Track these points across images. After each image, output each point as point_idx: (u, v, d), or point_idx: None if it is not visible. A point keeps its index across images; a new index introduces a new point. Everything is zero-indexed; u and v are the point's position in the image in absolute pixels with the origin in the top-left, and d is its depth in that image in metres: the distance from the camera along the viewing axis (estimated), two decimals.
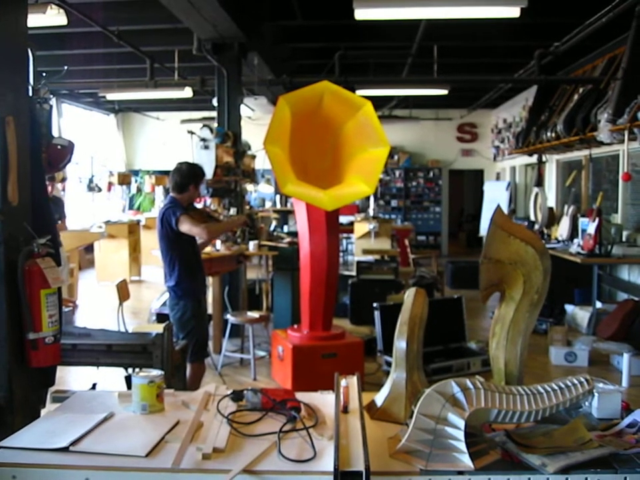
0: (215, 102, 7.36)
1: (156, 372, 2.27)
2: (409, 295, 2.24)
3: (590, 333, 7.01)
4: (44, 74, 2.82)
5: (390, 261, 8.67)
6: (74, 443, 1.87)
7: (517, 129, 12.23)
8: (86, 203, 12.64)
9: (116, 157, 15.82)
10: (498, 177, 15.36)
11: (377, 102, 12.50)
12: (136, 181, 15.07)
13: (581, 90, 8.47)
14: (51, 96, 2.78)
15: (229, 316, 5.91)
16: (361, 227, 11.33)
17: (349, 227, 12.00)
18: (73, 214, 11.42)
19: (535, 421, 1.92)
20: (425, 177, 16.34)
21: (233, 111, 7.20)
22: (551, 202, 10.47)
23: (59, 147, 2.82)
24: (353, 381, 2.41)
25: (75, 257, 9.19)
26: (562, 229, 8.77)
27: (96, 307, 8.95)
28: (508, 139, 13.62)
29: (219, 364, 5.99)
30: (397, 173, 16.29)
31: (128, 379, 3.44)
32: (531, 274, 2.05)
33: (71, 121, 13.63)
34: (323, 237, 5.29)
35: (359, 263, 8.45)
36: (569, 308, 7.77)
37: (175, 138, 14.49)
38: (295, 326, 5.69)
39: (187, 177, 4.13)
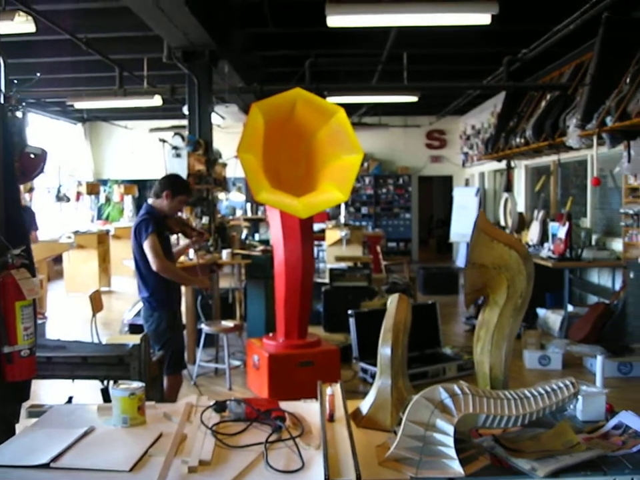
0: (185, 110, 7.30)
1: (136, 384, 2.23)
2: (392, 301, 2.23)
3: (562, 336, 7.08)
4: (15, 81, 2.76)
5: (363, 267, 8.68)
6: (55, 459, 1.81)
7: (486, 135, 12.36)
8: (54, 213, 12.42)
9: (84, 166, 15.60)
10: (467, 183, 15.49)
11: (347, 109, 12.39)
12: (104, 191, 14.89)
13: (548, 96, 8.59)
14: (24, 104, 2.72)
15: (203, 325, 5.84)
16: (333, 234, 11.33)
17: (321, 235, 11.99)
18: (41, 224, 11.24)
19: (521, 425, 1.91)
20: (395, 183, 16.41)
21: (204, 118, 7.15)
22: (521, 207, 10.59)
23: (31, 155, 2.77)
24: (337, 388, 2.39)
25: (43, 268, 9.03)
26: (532, 234, 8.87)
27: (66, 318, 8.80)
28: (477, 145, 13.75)
29: (194, 374, 5.92)
30: (367, 179, 16.33)
31: (104, 392, 3.37)
32: (515, 278, 2.05)
33: (37, 130, 13.41)
34: (298, 244, 5.27)
35: (331, 270, 8.44)
36: (541, 312, 7.84)
37: (143, 147, 14.35)
38: (270, 334, 5.65)
39: (165, 183, 4.08)
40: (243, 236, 9.96)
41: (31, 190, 9.53)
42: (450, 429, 1.76)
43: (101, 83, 9.75)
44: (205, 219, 6.94)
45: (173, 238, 5.42)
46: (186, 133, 6.84)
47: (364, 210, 16.52)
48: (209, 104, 7.31)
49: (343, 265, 8.80)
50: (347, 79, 9.48)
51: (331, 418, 2.08)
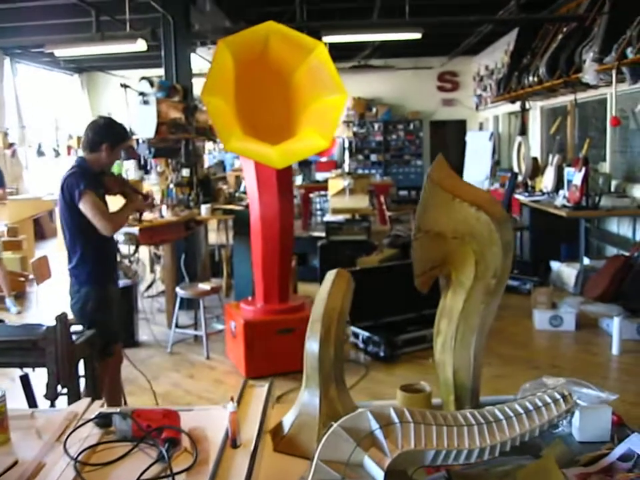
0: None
1: None
2: (327, 280, 1.68)
3: (577, 291, 6.50)
4: None
5: (362, 220, 8.09)
6: None
7: (499, 75, 11.56)
8: (40, 168, 11.84)
9: (81, 118, 15.01)
10: (481, 127, 14.72)
11: (348, 50, 11.90)
12: None
13: (565, 29, 7.81)
14: None
15: (177, 289, 5.34)
16: (336, 184, 10.69)
17: (325, 184, 11.42)
18: (29, 180, 10.73)
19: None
20: (405, 129, 15.68)
21: (181, 62, 6.51)
22: (536, 151, 9.87)
23: None
24: (260, 393, 1.85)
25: (27, 227, 8.55)
26: (546, 180, 8.20)
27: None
28: (490, 87, 12.94)
29: (169, 341, 5.44)
30: (376, 125, 15.61)
31: (24, 380, 2.88)
32: (486, 251, 1.48)
33: (28, 81, 12.81)
34: (274, 197, 4.71)
35: (327, 223, 7.88)
36: (555, 265, 7.24)
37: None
38: (250, 298, 5.14)
39: (100, 133, 3.41)
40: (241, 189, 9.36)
41: (11, 145, 8.99)
42: (379, 475, 1.21)
43: (81, 29, 9.08)
44: (186, 171, 6.36)
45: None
46: (158, 78, 6.20)
47: (373, 157, 15.84)
48: (188, 46, 6.66)
49: (340, 217, 8.21)
50: (343, 16, 8.72)
51: (234, 444, 1.54)
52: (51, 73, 14.07)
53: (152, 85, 5.65)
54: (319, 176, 13.42)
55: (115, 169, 13.48)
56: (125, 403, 3.81)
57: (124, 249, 5.11)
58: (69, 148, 11.22)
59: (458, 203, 1.46)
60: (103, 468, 1.52)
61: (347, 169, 11.38)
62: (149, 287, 7.28)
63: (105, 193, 3.51)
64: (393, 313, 5.64)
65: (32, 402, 2.85)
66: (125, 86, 5.69)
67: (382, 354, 5.08)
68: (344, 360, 1.63)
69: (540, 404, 1.41)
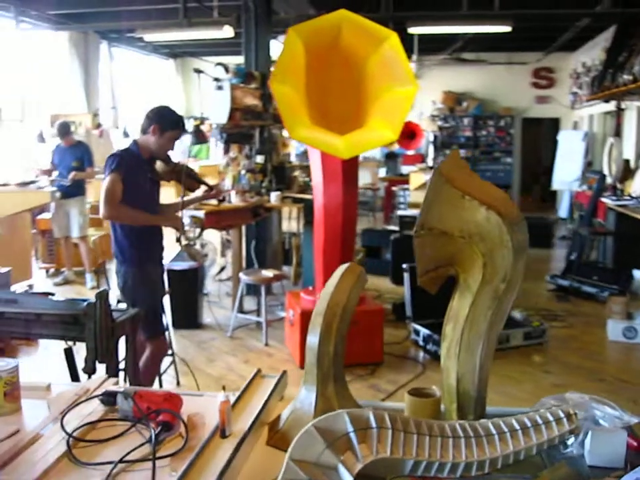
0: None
1: (6, 362, 1.74)
2: (336, 274, 1.62)
3: None
4: None
5: None
6: None
7: (596, 73, 11.04)
8: None
9: (175, 102, 15.41)
10: (575, 126, 14.13)
11: (438, 43, 11.65)
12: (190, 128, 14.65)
13: None
14: None
15: (241, 274, 5.39)
16: (417, 178, 10.58)
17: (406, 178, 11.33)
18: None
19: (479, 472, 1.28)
20: (496, 125, 15.23)
21: (261, 49, 6.54)
22: (629, 154, 9.38)
23: None
24: (270, 384, 1.81)
25: None
26: (636, 184, 7.80)
27: None
28: (586, 85, 12.39)
29: (230, 326, 5.50)
30: (466, 120, 15.23)
31: (68, 353, 2.96)
32: (495, 253, 1.38)
33: (124, 65, 13.26)
34: (339, 188, 4.66)
35: (401, 217, 7.76)
36: (638, 274, 6.87)
37: None
38: (310, 288, 5.12)
39: (151, 116, 3.45)
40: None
41: (99, 126, 9.32)
42: (348, 479, 1.16)
43: (173, 15, 9.30)
44: (260, 158, 6.40)
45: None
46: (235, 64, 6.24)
47: (461, 153, 15.40)
48: (268, 33, 6.67)
49: (416, 211, 8.07)
50: (432, 7, 8.52)
51: (223, 434, 1.51)
52: (147, 58, 14.51)
53: (227, 70, 5.70)
54: (405, 169, 13.27)
55: (201, 154, 13.80)
56: (160, 386, 3.86)
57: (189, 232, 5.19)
58: None
59: (468, 200, 1.37)
60: (96, 445, 1.53)
61: (430, 164, 11.20)
62: (221, 271, 7.40)
63: (155, 179, 3.53)
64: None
65: (74, 374, 2.94)
66: (198, 71, 5.76)
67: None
68: (343, 356, 1.56)
69: (540, 421, 1.31)
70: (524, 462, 1.40)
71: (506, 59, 14.24)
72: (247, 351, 5.13)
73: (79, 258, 7.47)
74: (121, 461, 1.41)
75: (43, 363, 4.87)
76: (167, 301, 5.06)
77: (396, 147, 11.75)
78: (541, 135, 17.99)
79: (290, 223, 7.36)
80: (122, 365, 3.07)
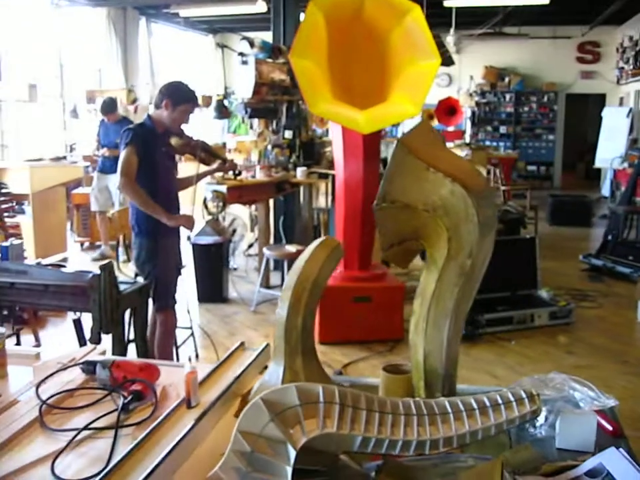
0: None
1: None
2: (309, 247, 1.60)
3: None
4: None
5: None
6: None
7: None
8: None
9: (214, 79, 15.46)
10: (621, 102, 13.71)
11: (478, 17, 11.38)
12: (230, 104, 14.67)
13: None
14: None
15: (264, 249, 5.40)
16: None
17: None
18: None
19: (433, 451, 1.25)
20: (539, 101, 14.90)
21: (289, 23, 6.48)
22: None
23: None
24: (249, 357, 1.81)
25: None
26: None
27: None
28: (635, 59, 12.00)
29: (254, 301, 5.54)
30: (508, 96, 14.94)
31: (76, 323, 3.02)
32: (460, 228, 1.34)
33: (163, 40, 13.33)
34: (360, 164, 4.61)
35: None
36: None
37: None
38: None
39: (164, 90, 3.48)
40: None
41: (134, 102, 9.40)
42: (290, 453, 1.15)
43: None
44: (288, 133, 6.38)
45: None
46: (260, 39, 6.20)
47: (502, 129, 15.19)
48: (297, 7, 6.61)
49: None
50: None
51: (189, 404, 1.52)
52: (185, 34, 14.54)
53: (252, 45, 5.67)
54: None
55: (240, 129, 13.79)
56: (177, 359, 3.90)
57: (212, 206, 5.22)
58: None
59: (432, 172, 1.33)
60: (70, 412, 1.56)
61: (467, 140, 11.01)
62: (250, 246, 7.43)
63: (170, 153, 3.56)
64: (486, 290, 5.40)
65: (83, 343, 3.00)
66: (222, 46, 5.76)
67: (463, 332, 4.90)
68: (312, 330, 1.55)
69: (500, 401, 1.28)
70: (491, 442, 1.39)
71: (550, 33, 13.86)
72: (269, 325, 5.15)
73: (114, 232, 7.58)
74: (85, 427, 1.43)
75: (72, 334, 4.98)
76: (188, 274, 5.12)
77: (435, 124, 11.57)
78: (587, 111, 17.52)
79: (320, 199, 7.32)
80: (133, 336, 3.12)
